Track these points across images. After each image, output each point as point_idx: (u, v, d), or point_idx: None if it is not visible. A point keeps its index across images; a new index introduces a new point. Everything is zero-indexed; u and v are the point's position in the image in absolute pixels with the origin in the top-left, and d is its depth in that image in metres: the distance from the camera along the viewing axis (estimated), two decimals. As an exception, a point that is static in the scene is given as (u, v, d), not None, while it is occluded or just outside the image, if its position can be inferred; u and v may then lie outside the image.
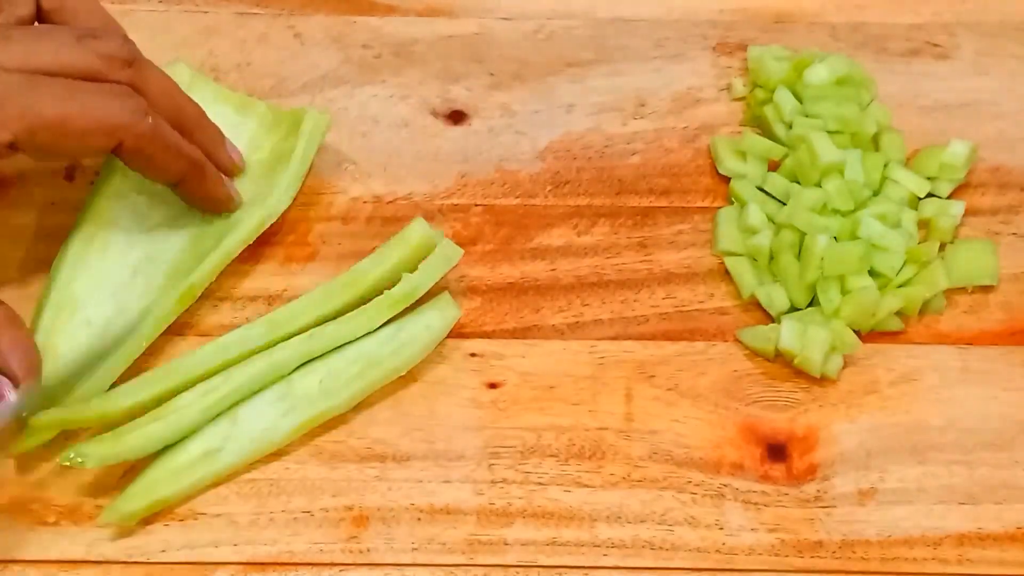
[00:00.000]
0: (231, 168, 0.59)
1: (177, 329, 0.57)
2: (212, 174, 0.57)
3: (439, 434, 0.55)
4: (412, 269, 0.56)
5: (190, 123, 0.57)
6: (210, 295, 0.58)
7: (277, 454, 0.55)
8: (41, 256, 0.58)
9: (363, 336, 0.56)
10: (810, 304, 0.58)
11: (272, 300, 0.58)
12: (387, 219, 0.61)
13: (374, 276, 0.57)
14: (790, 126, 0.62)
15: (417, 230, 0.57)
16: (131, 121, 0.53)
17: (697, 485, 0.54)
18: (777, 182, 0.61)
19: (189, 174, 0.56)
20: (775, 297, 0.58)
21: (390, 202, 0.62)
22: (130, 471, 0.54)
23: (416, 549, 0.53)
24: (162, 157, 0.55)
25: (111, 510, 0.52)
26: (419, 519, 0.53)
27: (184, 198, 0.58)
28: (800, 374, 0.57)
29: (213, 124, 0.59)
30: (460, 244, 0.58)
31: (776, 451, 0.55)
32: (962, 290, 0.59)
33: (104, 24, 0.57)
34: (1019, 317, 0.59)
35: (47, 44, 0.52)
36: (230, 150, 0.59)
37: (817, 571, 0.52)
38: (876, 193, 0.60)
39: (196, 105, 0.58)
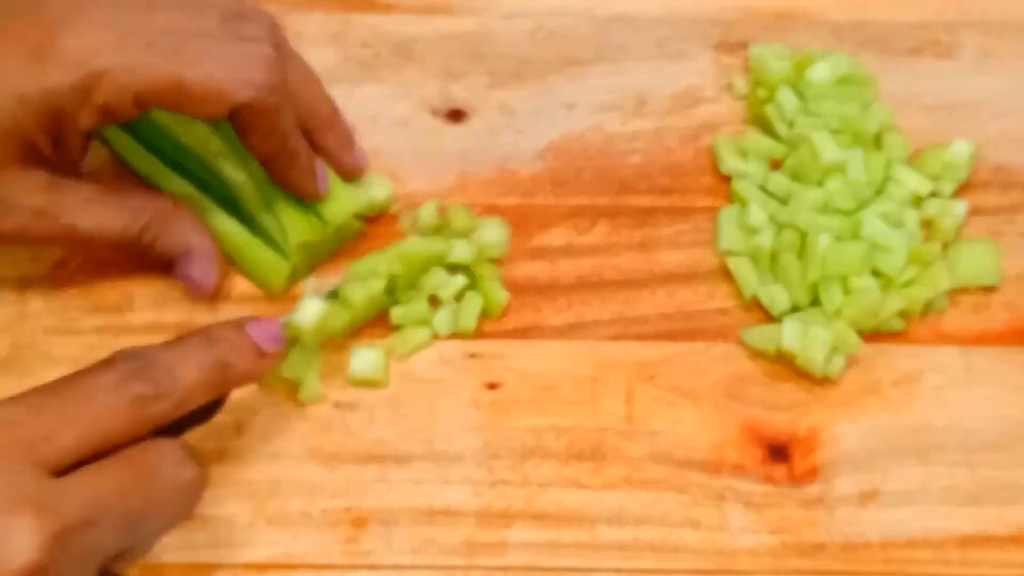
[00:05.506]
0: (352, 172, 0.59)
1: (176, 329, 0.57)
2: (302, 166, 0.56)
3: (439, 434, 0.55)
4: None
5: (322, 120, 0.57)
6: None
7: (276, 454, 0.54)
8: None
9: None
10: (812, 304, 0.58)
11: (273, 299, 0.58)
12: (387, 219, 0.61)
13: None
14: (792, 125, 0.62)
15: None
16: (261, 87, 0.52)
17: (698, 486, 0.54)
18: (779, 181, 0.61)
19: (282, 157, 0.55)
20: (777, 297, 0.58)
21: (390, 201, 0.62)
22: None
23: (415, 551, 0.52)
24: (269, 136, 0.54)
25: None
26: (418, 520, 0.53)
27: (270, 174, 0.56)
28: (802, 374, 0.57)
29: (344, 125, 0.59)
30: (460, 244, 0.58)
31: (778, 452, 0.55)
32: (965, 290, 0.59)
33: (254, 10, 0.56)
34: (1022, 317, 0.59)
35: (191, 19, 0.53)
36: (357, 156, 0.59)
37: (819, 573, 0.52)
38: (878, 192, 0.60)
39: (331, 103, 0.58)
